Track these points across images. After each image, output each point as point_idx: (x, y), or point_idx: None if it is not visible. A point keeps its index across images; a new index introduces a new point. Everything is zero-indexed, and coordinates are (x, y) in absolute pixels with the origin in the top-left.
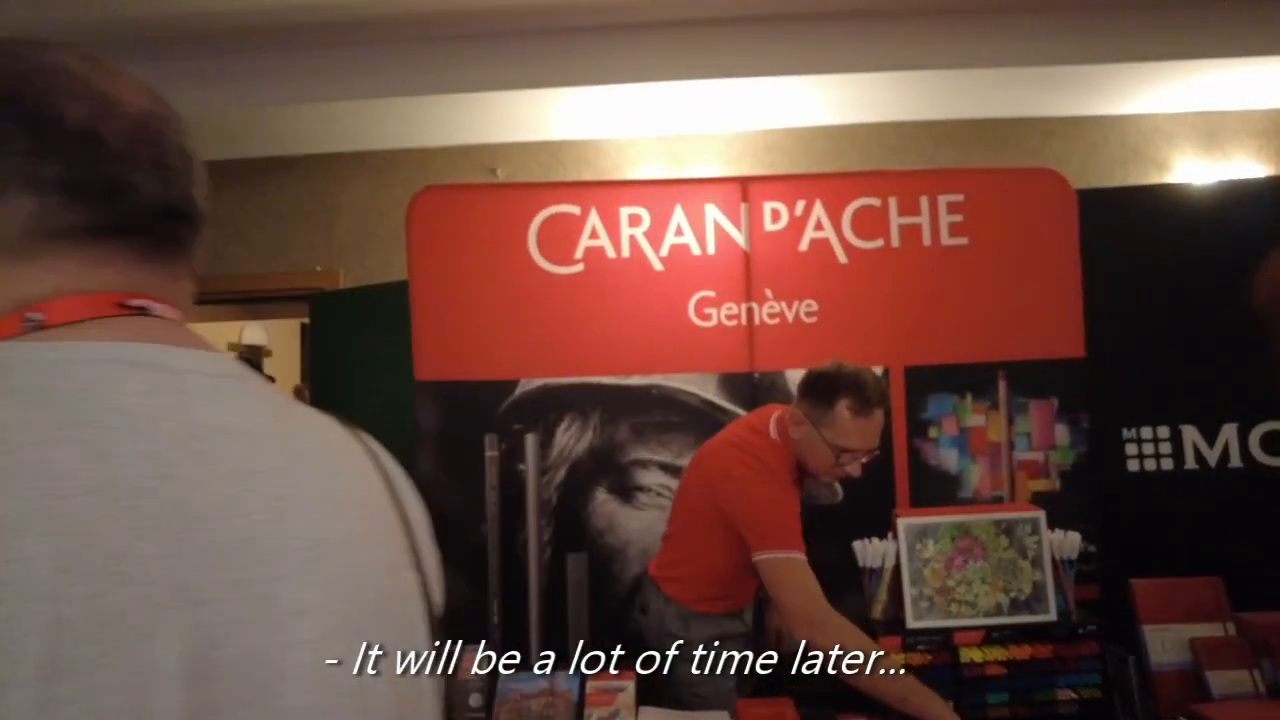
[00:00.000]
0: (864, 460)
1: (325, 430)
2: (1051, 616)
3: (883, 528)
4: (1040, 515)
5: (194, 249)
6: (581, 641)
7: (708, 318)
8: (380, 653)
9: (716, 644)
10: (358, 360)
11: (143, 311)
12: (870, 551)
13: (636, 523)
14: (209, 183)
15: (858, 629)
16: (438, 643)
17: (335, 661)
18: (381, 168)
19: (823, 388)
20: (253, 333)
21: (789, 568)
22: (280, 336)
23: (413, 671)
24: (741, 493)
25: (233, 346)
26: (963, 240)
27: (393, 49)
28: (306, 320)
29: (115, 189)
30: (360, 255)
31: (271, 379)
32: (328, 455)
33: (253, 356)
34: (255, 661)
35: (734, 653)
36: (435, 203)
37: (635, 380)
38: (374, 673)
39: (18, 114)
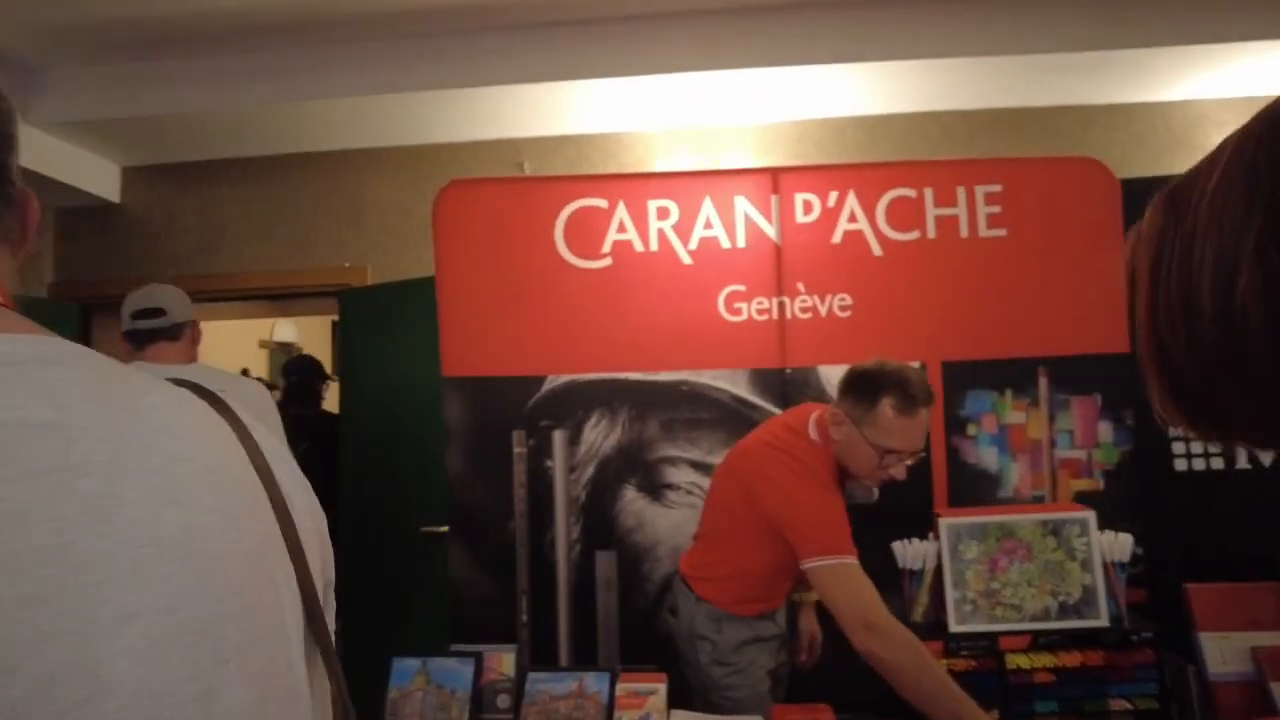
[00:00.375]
0: (909, 462)
1: (170, 411)
2: (1103, 622)
3: (920, 528)
4: (1090, 516)
5: None
6: (610, 641)
7: (738, 312)
8: (235, 654)
9: (749, 646)
10: (386, 356)
11: None
12: (910, 553)
13: (666, 521)
14: (12, 130)
15: (917, 640)
16: (321, 636)
17: (183, 666)
18: (408, 163)
19: (865, 386)
20: (283, 330)
21: (843, 574)
22: (310, 333)
23: (280, 671)
24: (784, 497)
25: (264, 344)
26: (1001, 232)
27: (418, 43)
28: (335, 317)
29: None
30: (387, 250)
31: (331, 378)
32: (170, 440)
33: (311, 359)
34: (65, 682)
35: (766, 655)
36: (461, 197)
37: (664, 376)
38: (224, 677)
39: None
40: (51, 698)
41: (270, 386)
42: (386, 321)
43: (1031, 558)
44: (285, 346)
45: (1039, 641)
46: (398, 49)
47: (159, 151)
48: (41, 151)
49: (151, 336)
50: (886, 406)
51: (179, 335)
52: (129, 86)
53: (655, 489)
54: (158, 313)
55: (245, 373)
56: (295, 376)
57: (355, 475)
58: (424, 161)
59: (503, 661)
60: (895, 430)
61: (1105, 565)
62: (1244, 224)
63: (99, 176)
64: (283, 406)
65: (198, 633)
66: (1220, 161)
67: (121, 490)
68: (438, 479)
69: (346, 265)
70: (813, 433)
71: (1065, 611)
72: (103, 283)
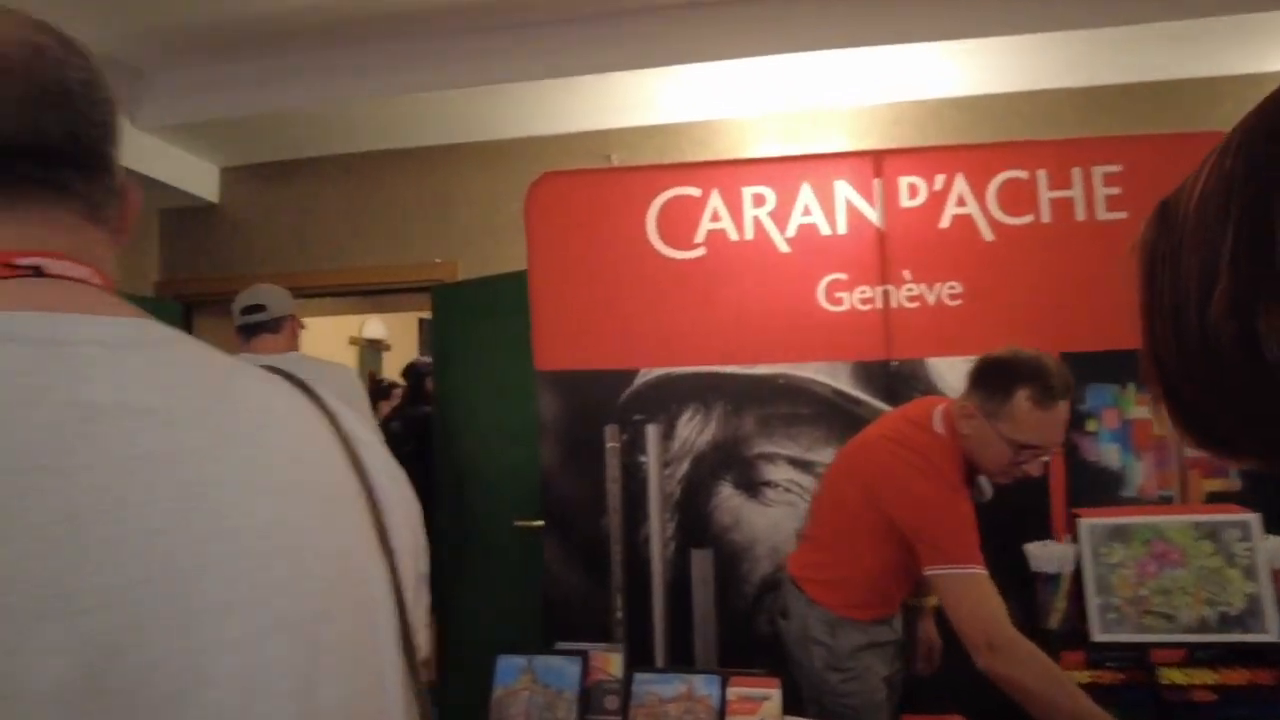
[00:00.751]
0: (1046, 459)
1: (265, 400)
2: (1273, 637)
3: (1037, 529)
4: (1253, 519)
5: (90, 194)
6: (708, 642)
7: (839, 302)
8: (329, 649)
9: (864, 652)
10: (480, 350)
11: (36, 271)
12: (1045, 555)
13: (764, 520)
14: (113, 121)
15: (1047, 657)
16: (405, 635)
17: (280, 660)
18: (496, 158)
19: (998, 377)
20: (373, 327)
21: (969, 584)
22: (398, 330)
23: (373, 668)
24: (908, 496)
25: (354, 340)
26: (1121, 214)
27: (506, 35)
28: (422, 314)
29: None
30: (477, 246)
31: (422, 368)
32: (265, 429)
33: (427, 362)
34: (165, 670)
35: (882, 662)
36: (553, 189)
37: (761, 369)
38: (320, 671)
39: None
40: (153, 684)
41: (392, 385)
42: (480, 316)
43: (1185, 563)
44: (374, 343)
45: (1196, 655)
46: (486, 41)
47: (255, 151)
48: (147, 154)
49: (256, 330)
50: (1022, 399)
51: (279, 328)
52: (227, 88)
53: (752, 486)
54: (260, 309)
55: None
56: (413, 378)
57: (448, 470)
58: (512, 156)
59: (609, 661)
60: (1032, 424)
61: (1273, 573)
62: (1221, 235)
63: (200, 178)
64: (400, 408)
65: (294, 626)
66: (1204, 171)
67: (217, 478)
68: (530, 473)
69: (437, 261)
70: (938, 426)
71: (1227, 623)
72: (202, 280)
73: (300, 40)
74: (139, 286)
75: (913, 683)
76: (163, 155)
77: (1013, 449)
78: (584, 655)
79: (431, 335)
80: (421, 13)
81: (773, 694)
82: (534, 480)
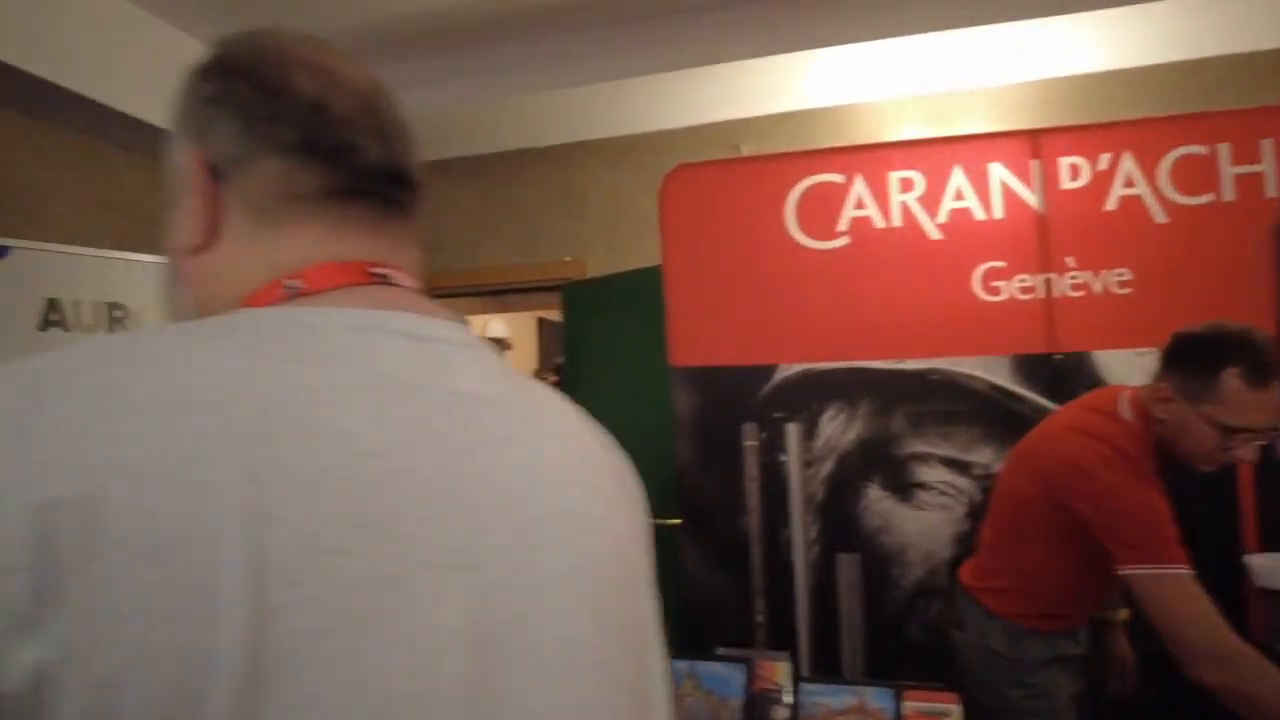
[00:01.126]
0: (1262, 442)
1: (557, 404)
2: None
3: (1223, 538)
4: None
5: (416, 214)
6: (854, 649)
7: (996, 291)
8: (622, 628)
9: (1051, 667)
10: (610, 347)
11: (385, 280)
12: (1276, 570)
13: (916, 524)
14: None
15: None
16: (660, 625)
17: (587, 632)
18: (624, 153)
19: (1201, 355)
20: (496, 327)
21: (1175, 586)
22: (517, 329)
23: (648, 646)
24: (1095, 488)
25: None
26: None
27: (630, 29)
28: (542, 313)
29: (344, 151)
30: (606, 242)
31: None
32: (563, 428)
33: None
34: (520, 629)
35: (1069, 679)
36: (688, 181)
37: (911, 364)
38: (617, 645)
39: (258, 85)
40: (513, 646)
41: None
42: (610, 313)
43: None
44: (498, 342)
45: None
46: (611, 37)
47: None
48: None
49: None
50: (1231, 377)
51: None
52: None
53: (903, 488)
54: None
55: None
56: (561, 375)
57: None
58: (639, 150)
59: (775, 670)
60: (1246, 405)
61: None
62: None
63: None
64: None
65: (597, 604)
66: None
67: (540, 463)
68: (662, 472)
69: (567, 259)
70: (1125, 413)
71: None
72: None
73: (429, 44)
74: None
75: (1103, 704)
76: None
77: (1221, 434)
78: (748, 663)
79: (562, 333)
80: (546, 12)
81: (953, 709)
82: (666, 479)
